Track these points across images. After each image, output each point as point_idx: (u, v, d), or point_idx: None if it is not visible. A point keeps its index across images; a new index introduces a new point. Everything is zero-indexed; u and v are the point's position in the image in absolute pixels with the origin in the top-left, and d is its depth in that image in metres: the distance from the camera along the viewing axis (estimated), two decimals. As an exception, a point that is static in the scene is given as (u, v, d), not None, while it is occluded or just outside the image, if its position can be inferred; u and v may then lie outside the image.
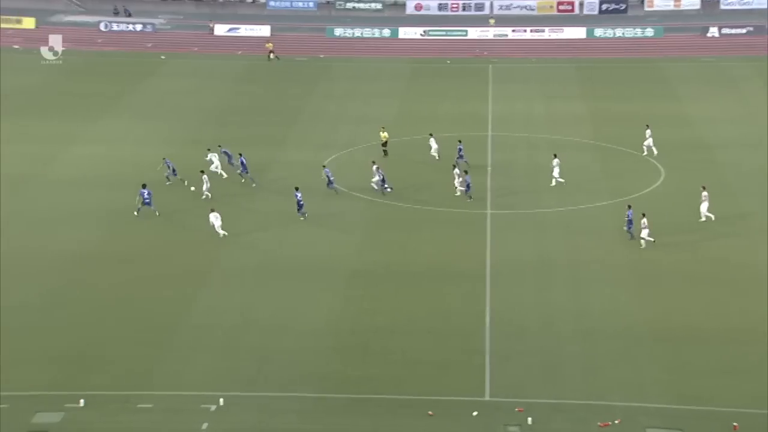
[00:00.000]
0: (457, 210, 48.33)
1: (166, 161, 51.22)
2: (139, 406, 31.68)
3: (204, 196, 48.57)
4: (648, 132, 56.69)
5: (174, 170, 50.66)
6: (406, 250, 43.97)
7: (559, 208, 48.67)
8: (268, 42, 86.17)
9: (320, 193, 50.07)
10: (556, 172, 51.53)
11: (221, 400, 32.00)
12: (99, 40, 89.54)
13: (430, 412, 31.74)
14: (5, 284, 39.61)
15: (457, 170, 50.53)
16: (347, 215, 47.94)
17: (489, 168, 54.42)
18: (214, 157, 52.53)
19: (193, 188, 49.93)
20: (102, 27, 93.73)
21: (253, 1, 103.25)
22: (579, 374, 34.02)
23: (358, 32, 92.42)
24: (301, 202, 46.81)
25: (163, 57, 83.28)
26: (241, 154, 52.00)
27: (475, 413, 31.67)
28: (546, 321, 37.57)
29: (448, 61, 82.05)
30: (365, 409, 32.00)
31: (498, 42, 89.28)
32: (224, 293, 39.71)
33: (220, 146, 53.73)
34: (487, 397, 32.75)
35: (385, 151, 55.34)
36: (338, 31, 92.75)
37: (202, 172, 49.83)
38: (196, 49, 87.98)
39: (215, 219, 44.62)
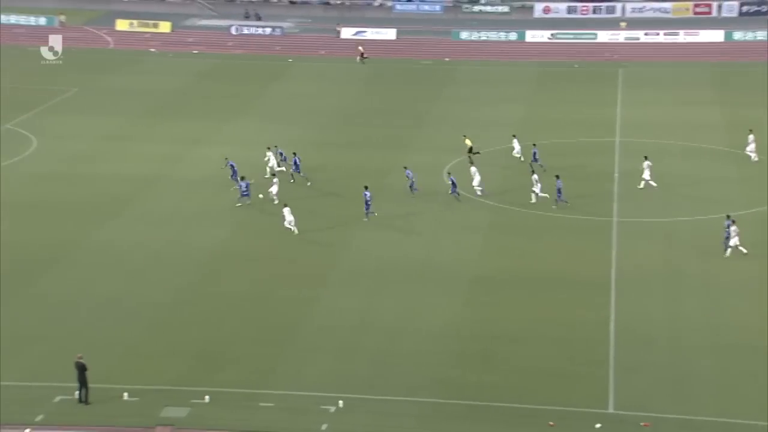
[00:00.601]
0: (582, 217, 47.40)
1: (229, 163, 51.67)
2: (261, 404, 32.09)
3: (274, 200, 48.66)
4: (751, 137, 54.48)
5: (235, 171, 51.05)
6: (529, 257, 43.35)
7: (691, 218, 47.18)
8: (359, 45, 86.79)
9: (442, 197, 49.88)
10: (646, 175, 50.19)
11: (341, 402, 32.13)
12: (229, 43, 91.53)
13: (550, 423, 31.13)
14: (141, 280, 40.78)
15: (535, 176, 49.63)
16: (469, 220, 47.59)
17: (616, 175, 53.21)
18: (272, 157, 52.95)
19: (309, 183, 50.52)
20: (233, 30, 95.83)
21: (380, 5, 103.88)
22: (710, 390, 32.83)
23: (484, 35, 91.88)
24: (369, 202, 46.60)
25: (290, 60, 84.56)
26: (295, 154, 52.50)
27: (598, 425, 30.91)
28: (675, 333, 36.41)
29: (576, 65, 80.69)
30: (484, 416, 31.62)
31: (629, 45, 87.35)
32: (344, 295, 39.93)
33: (276, 146, 54.09)
34: (610, 410, 31.93)
35: (470, 157, 55.00)
36: (464, 35, 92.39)
37: (272, 175, 49.98)
38: (323, 52, 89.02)
39: (288, 214, 45.04)
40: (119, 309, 38.14)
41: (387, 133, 61.77)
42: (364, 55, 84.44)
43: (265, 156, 53.22)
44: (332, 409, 31.88)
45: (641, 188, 50.18)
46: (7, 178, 52.24)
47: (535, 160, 53.20)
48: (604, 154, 56.11)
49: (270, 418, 31.43)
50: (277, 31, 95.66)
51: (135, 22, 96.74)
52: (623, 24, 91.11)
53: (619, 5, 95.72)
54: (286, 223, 45.12)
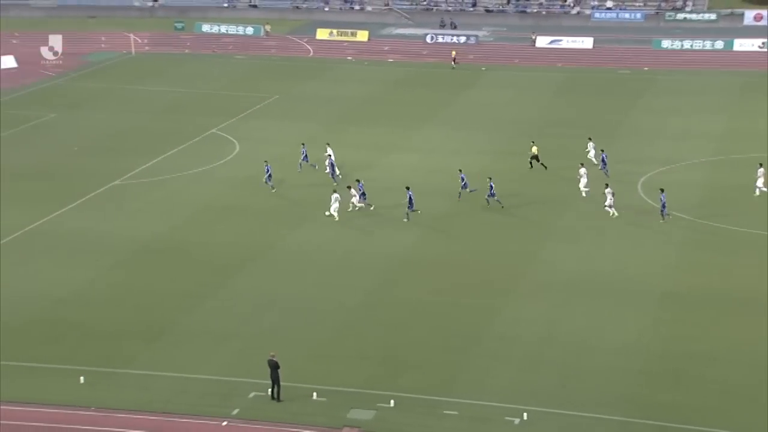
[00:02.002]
0: (784, 235, 44.98)
1: (267, 167, 51.97)
2: (444, 412, 32.08)
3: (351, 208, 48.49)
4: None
5: (270, 175, 51.72)
6: (725, 274, 41.46)
7: None
8: (453, 50, 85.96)
9: (635, 210, 48.49)
10: (760, 182, 48.01)
11: (525, 414, 31.72)
12: (424, 52, 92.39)
13: (745, 450, 29.64)
14: (329, 283, 41.74)
15: (609, 189, 47.60)
16: (661, 234, 46.04)
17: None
18: (332, 153, 54.24)
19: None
20: (428, 39, 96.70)
21: (578, 13, 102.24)
22: None
23: (687, 44, 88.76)
24: (412, 200, 46.83)
25: (484, 68, 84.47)
26: (330, 155, 53.07)
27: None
28: None
29: (783, 76, 76.74)
30: (673, 438, 30.46)
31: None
32: (530, 306, 39.42)
33: (303, 144, 55.44)
34: (811, 440, 30.10)
35: (531, 164, 54.05)
36: (665, 43, 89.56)
37: (356, 182, 49.83)
38: (516, 60, 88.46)
39: (335, 201, 47.02)
40: (308, 310, 39.09)
41: (577, 144, 60.66)
42: (456, 61, 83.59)
43: (326, 151, 54.51)
44: (516, 420, 31.50)
45: (757, 195, 48.10)
46: (211, 180, 54.66)
47: (604, 164, 52.35)
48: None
49: (454, 426, 31.37)
50: (472, 40, 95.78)
51: (335, 31, 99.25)
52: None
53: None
54: (332, 209, 47.15)
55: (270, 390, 32.68)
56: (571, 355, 35.37)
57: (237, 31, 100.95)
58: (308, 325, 37.80)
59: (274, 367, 32.49)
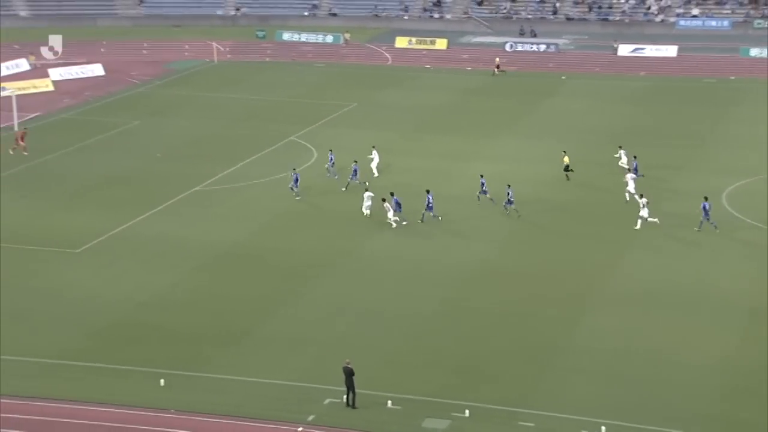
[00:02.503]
0: None
1: (293, 173, 52.26)
2: (520, 423, 31.73)
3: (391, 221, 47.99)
4: None
5: (297, 182, 52.00)
6: (813, 289, 40.32)
7: None
8: (496, 57, 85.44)
9: (719, 221, 47.48)
10: None
11: (603, 428, 31.17)
12: (503, 60, 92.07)
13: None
14: (403, 291, 41.76)
15: (644, 199, 46.64)
16: (746, 246, 44.96)
17: None
18: (375, 155, 55.60)
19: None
20: (507, 47, 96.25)
21: (662, 21, 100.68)
22: None
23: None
24: (431, 204, 47.60)
25: (564, 77, 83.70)
26: (356, 161, 53.83)
27: None
28: None
29: None
30: (757, 457, 29.67)
31: None
32: (609, 318, 38.82)
33: (331, 150, 56.25)
34: None
35: (567, 175, 53.50)
36: (754, 51, 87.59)
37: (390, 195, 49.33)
38: (597, 69, 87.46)
39: (368, 199, 48.49)
40: (383, 317, 39.08)
41: (661, 154, 59.67)
42: (499, 68, 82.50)
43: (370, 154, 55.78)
44: (593, 434, 31.09)
45: None
46: (289, 187, 55.16)
47: (636, 171, 52.00)
48: None
49: (529, 438, 31.10)
50: (552, 48, 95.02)
51: (413, 39, 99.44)
52: None
53: None
54: (363, 207, 48.46)
55: (345, 397, 32.78)
56: (651, 369, 34.72)
57: (317, 39, 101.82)
58: (383, 333, 37.83)
59: (349, 373, 32.57)
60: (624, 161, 55.95)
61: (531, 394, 33.43)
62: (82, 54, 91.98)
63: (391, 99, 76.84)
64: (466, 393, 33.35)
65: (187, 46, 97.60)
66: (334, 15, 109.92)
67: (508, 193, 49.23)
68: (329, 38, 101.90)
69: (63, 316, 38.77)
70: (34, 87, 79.16)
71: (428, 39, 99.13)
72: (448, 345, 36.86)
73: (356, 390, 32.57)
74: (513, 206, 49.13)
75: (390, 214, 47.90)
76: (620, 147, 57.13)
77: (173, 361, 35.32)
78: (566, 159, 55.59)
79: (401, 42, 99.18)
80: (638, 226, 47.20)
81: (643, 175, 52.83)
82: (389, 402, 32.76)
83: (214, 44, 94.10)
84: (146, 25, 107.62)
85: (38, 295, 40.71)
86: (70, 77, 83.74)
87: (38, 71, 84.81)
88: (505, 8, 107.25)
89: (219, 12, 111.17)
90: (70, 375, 34.47)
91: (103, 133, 66.47)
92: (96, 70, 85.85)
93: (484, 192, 50.52)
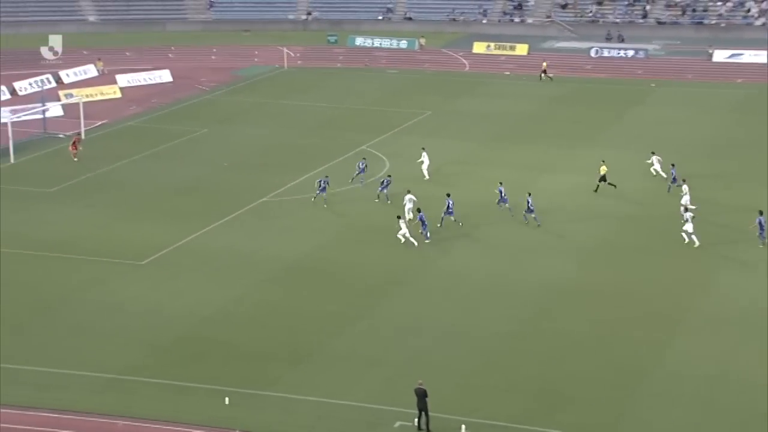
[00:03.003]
0: None
1: (322, 180, 53.06)
2: (603, 452, 31.32)
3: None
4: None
5: (324, 187, 52.82)
6: None
7: None
8: (544, 61, 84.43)
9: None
10: None
11: (692, 459, 30.57)
12: (588, 66, 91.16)
13: None
14: (479, 310, 41.47)
15: (689, 213, 45.91)
16: None
17: None
18: (425, 157, 57.28)
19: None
20: (592, 53, 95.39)
21: (763, 24, 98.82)
22: None
23: None
24: (451, 207, 48.41)
25: (653, 84, 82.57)
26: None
27: None
28: None
29: None
30: None
31: None
32: (702, 342, 37.96)
33: (364, 159, 57.50)
34: None
35: (598, 186, 53.79)
36: None
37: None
38: (690, 76, 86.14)
39: (409, 202, 49.51)
40: (457, 337, 38.83)
41: (755, 167, 58.42)
42: (546, 72, 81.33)
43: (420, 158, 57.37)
44: (682, 466, 30.41)
45: None
46: (360, 199, 55.27)
47: (674, 181, 53.03)
48: None
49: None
50: (641, 54, 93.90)
51: (492, 44, 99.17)
52: None
53: None
54: (406, 210, 49.14)
55: (417, 419, 32.59)
56: (748, 399, 33.87)
57: (390, 44, 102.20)
58: (457, 353, 37.59)
59: (421, 395, 32.39)
60: (657, 167, 55.99)
61: (616, 421, 32.86)
62: (150, 60, 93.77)
63: (467, 107, 76.66)
64: (545, 419, 32.92)
65: (256, 52, 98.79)
66: (410, 19, 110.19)
67: (528, 201, 49.62)
68: (404, 43, 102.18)
69: (126, 330, 39.36)
70: (102, 94, 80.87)
71: (508, 44, 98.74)
72: (526, 367, 36.46)
73: (429, 413, 32.37)
74: (533, 215, 49.65)
75: (401, 233, 47.23)
76: (653, 153, 57.26)
77: (239, 379, 35.57)
78: (603, 169, 54.97)
79: (479, 47, 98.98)
80: (697, 243, 46.44)
81: (679, 185, 52.45)
82: (463, 426, 32.48)
83: (285, 50, 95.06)
84: (215, 30, 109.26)
85: (101, 308, 41.40)
86: (138, 84, 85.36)
87: (106, 78, 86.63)
88: (590, 12, 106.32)
89: (290, 16, 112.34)
90: (132, 391, 34.93)
91: (169, 141, 67.53)
92: (164, 76, 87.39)
93: (504, 200, 51.05)
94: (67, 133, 66.82)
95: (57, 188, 57.12)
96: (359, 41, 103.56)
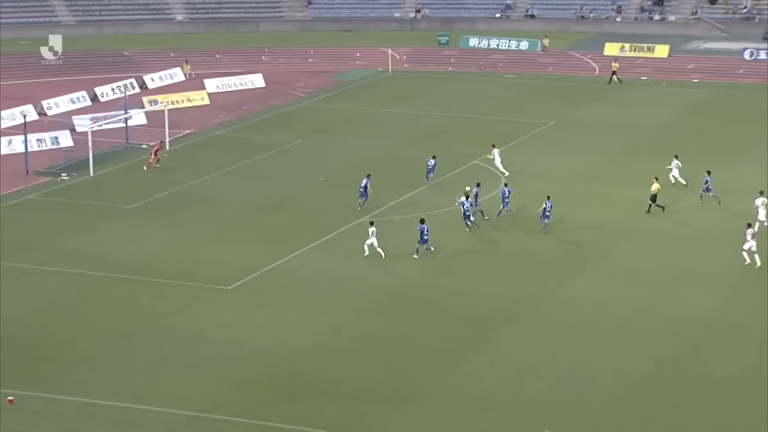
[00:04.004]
0: None
1: (364, 183, 55.43)
2: None
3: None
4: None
5: (366, 191, 55.42)
6: None
7: None
8: (614, 61, 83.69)
9: None
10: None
11: None
12: (740, 71, 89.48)
13: None
14: (608, 349, 40.88)
15: (751, 229, 45.43)
16: None
17: None
18: (497, 155, 61.23)
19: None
20: (746, 55, 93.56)
21: None
22: None
23: None
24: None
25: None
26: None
27: None
28: None
29: None
30: None
31: None
32: None
33: (434, 157, 60.83)
34: None
35: (650, 205, 54.34)
36: None
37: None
38: None
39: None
40: (583, 380, 38.31)
41: None
42: (616, 74, 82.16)
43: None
44: None
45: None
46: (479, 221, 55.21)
47: (708, 191, 54.64)
48: None
49: None
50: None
51: (627, 45, 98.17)
52: None
53: None
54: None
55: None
56: None
57: (509, 45, 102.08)
58: (582, 399, 37.08)
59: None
60: (675, 173, 57.75)
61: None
62: (242, 63, 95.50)
63: (596, 116, 75.99)
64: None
65: (358, 54, 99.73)
66: (531, 17, 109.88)
67: (545, 206, 51.92)
68: (524, 44, 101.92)
69: (210, 363, 39.92)
70: (188, 100, 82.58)
71: (645, 45, 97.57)
72: (664, 418, 35.75)
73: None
74: (548, 221, 52.19)
75: (369, 241, 49.05)
76: (676, 156, 58.40)
77: (334, 420, 35.73)
78: (656, 187, 54.79)
79: (611, 49, 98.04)
80: (759, 264, 46.09)
81: (717, 197, 54.37)
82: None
83: (389, 51, 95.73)
84: (313, 30, 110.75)
85: (183, 337, 42.11)
86: (228, 89, 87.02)
87: (193, 82, 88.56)
88: (745, 7, 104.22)
89: (396, 14, 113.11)
90: (216, 430, 35.37)
91: (260, 153, 68.50)
92: (256, 81, 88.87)
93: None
94: (150, 143, 68.40)
95: (138, 204, 58.49)
96: (473, 42, 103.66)
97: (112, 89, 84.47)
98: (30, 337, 42.01)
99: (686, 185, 56.87)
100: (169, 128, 70.47)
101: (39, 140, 69.63)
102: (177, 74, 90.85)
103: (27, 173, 63.99)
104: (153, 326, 43.14)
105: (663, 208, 55.09)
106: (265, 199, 59.21)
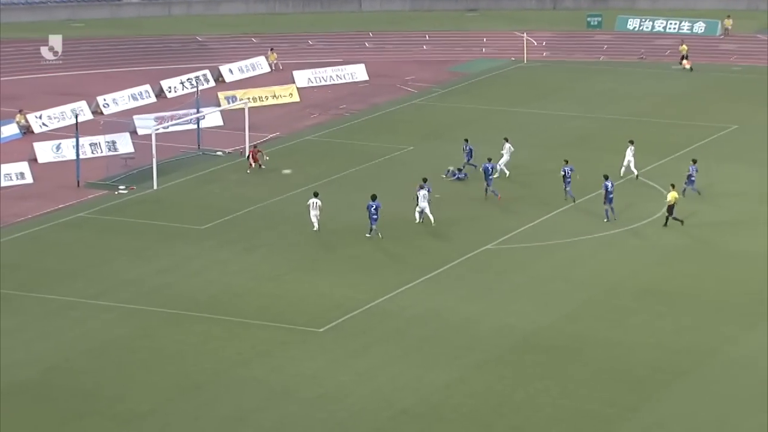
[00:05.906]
0: None
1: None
2: None
3: None
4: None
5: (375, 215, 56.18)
6: None
7: None
8: (682, 44, 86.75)
9: None
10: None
11: None
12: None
13: None
14: None
15: None
16: None
17: None
18: (507, 152, 65.06)
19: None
20: None
21: None
22: None
23: None
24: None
25: None
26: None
27: None
28: None
29: None
30: None
31: None
32: None
33: (466, 140, 65.69)
34: None
35: (667, 217, 56.10)
36: None
37: None
38: None
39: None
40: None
41: None
42: (687, 60, 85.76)
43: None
44: None
45: None
46: (625, 249, 54.75)
47: (690, 181, 58.14)
48: None
49: None
50: None
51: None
52: None
53: None
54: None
55: None
56: None
57: (679, 27, 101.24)
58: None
59: None
60: (630, 162, 63.02)
61: None
62: (340, 51, 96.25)
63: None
64: None
65: (484, 40, 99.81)
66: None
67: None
68: (699, 26, 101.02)
69: (297, 422, 40.27)
70: (274, 97, 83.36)
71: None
72: None
73: None
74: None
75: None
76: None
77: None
78: (672, 196, 55.92)
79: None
80: None
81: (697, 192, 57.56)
82: None
83: (525, 36, 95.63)
84: (429, 10, 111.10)
85: (264, 391, 42.47)
86: (322, 83, 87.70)
87: (280, 75, 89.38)
88: None
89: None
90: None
91: (361, 162, 68.92)
92: (357, 73, 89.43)
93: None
94: (227, 150, 69.35)
95: (210, 224, 59.24)
96: (632, 24, 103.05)
97: (182, 83, 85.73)
98: (75, 387, 42.81)
99: (635, 174, 61.15)
100: (250, 131, 71.18)
101: (93, 145, 71.01)
102: (260, 65, 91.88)
103: (78, 185, 65.34)
104: (226, 377, 43.66)
105: (682, 221, 55.65)
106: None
